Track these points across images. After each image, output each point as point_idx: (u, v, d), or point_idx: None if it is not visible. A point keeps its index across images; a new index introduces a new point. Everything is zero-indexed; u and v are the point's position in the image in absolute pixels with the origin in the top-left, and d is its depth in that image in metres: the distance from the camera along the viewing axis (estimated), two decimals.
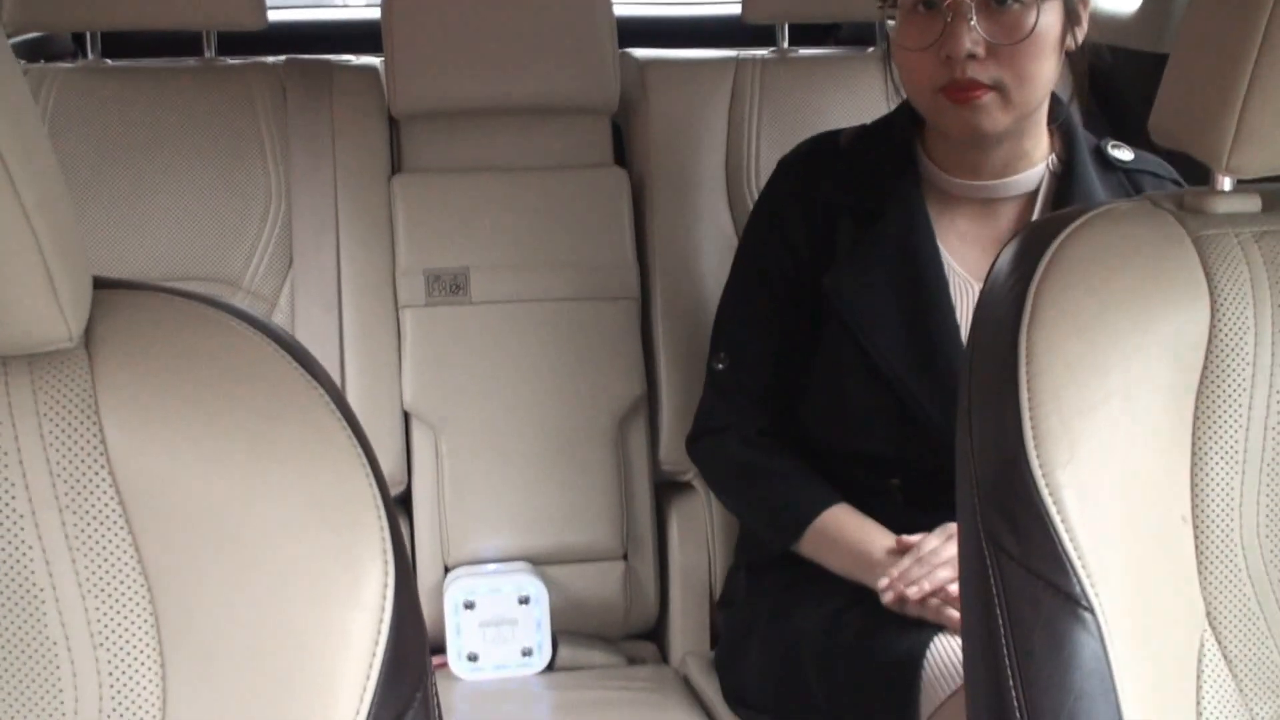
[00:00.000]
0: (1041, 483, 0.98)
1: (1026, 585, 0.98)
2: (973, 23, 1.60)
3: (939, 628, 1.60)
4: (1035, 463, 0.98)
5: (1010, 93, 1.63)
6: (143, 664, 0.85)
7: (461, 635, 2.02)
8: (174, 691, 0.85)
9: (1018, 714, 0.97)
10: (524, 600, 2.02)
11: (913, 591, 1.61)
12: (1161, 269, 1.05)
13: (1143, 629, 0.99)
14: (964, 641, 1.07)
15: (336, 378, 2.06)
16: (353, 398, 2.08)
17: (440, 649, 2.05)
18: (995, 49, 1.60)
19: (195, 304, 0.91)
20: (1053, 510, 0.97)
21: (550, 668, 2.06)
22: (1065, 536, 0.97)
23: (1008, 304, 1.04)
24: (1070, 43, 1.67)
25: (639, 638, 2.21)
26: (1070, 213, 1.10)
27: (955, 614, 1.59)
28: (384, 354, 2.11)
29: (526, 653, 2.04)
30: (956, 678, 1.53)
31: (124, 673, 0.85)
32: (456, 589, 2.03)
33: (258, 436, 0.86)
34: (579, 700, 1.95)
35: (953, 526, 1.63)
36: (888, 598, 1.64)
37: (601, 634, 2.15)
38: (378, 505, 0.87)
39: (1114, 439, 0.99)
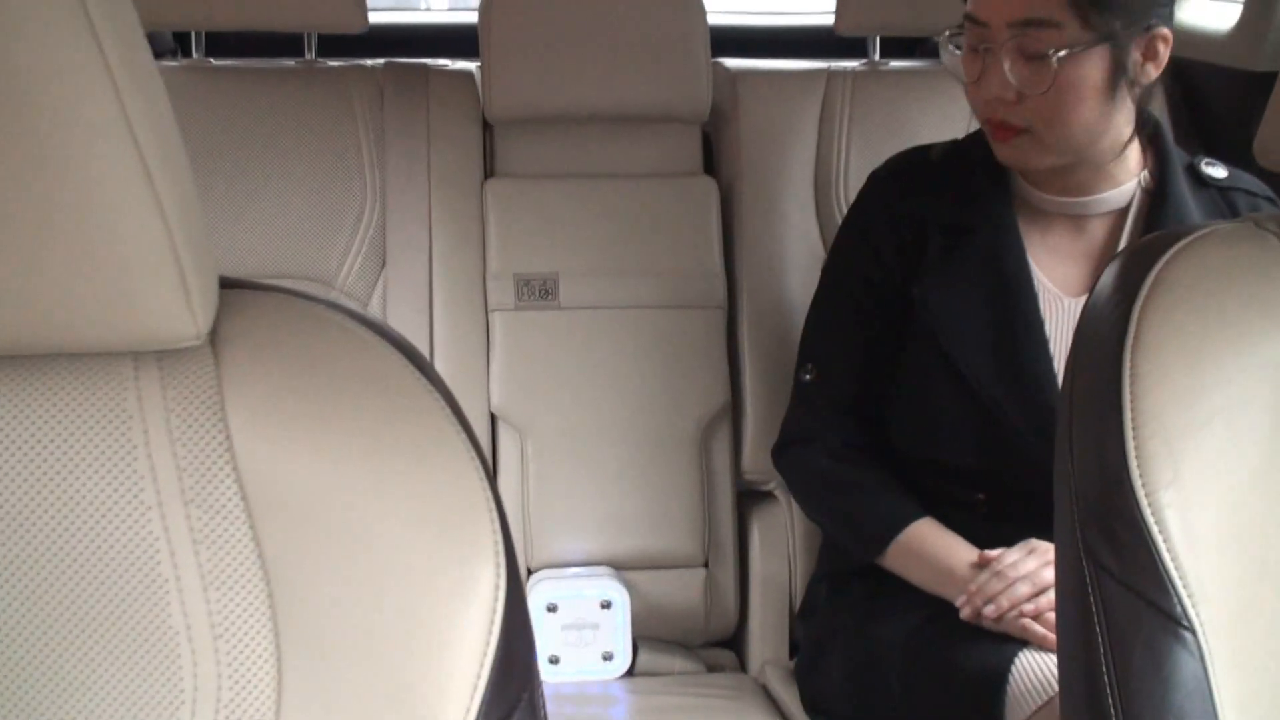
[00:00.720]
0: (1144, 503, 0.98)
1: (1127, 603, 0.98)
2: (1006, 67, 1.61)
3: (1024, 642, 1.59)
4: (1138, 483, 0.98)
5: (1042, 136, 1.65)
6: (260, 655, 0.88)
7: (543, 638, 2.03)
8: (289, 682, 0.87)
9: None
10: (606, 605, 2.04)
11: (989, 610, 1.62)
12: (1265, 291, 1.04)
13: (1244, 651, 0.99)
14: (1060, 658, 1.07)
15: None
16: None
17: None
18: (1025, 94, 1.62)
19: (317, 306, 0.94)
20: (1155, 530, 0.97)
21: (630, 673, 2.08)
22: (1167, 556, 0.97)
23: (1111, 324, 1.04)
24: (1136, 81, 1.65)
25: (718, 645, 2.22)
26: (1172, 234, 1.10)
27: (1038, 629, 1.59)
28: (473, 356, 2.14)
29: (607, 657, 2.05)
30: (1042, 693, 1.53)
31: (241, 663, 0.88)
32: (539, 592, 2.04)
33: (376, 437, 0.88)
34: (658, 705, 1.96)
35: (1034, 542, 1.66)
36: (965, 613, 1.65)
37: (681, 640, 2.17)
38: (490, 508, 0.88)
39: (1217, 460, 0.99)
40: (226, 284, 0.92)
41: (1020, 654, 1.58)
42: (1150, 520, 0.98)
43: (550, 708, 1.96)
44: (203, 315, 0.85)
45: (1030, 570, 1.63)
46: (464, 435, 0.90)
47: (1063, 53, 1.59)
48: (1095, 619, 0.99)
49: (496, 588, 0.87)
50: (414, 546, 0.87)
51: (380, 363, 0.91)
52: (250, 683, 0.88)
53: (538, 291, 2.14)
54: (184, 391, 0.87)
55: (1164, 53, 1.63)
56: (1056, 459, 1.08)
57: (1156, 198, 1.73)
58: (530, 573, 2.12)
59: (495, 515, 0.88)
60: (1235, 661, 0.98)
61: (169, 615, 0.87)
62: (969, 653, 1.62)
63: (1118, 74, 1.62)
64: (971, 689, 1.59)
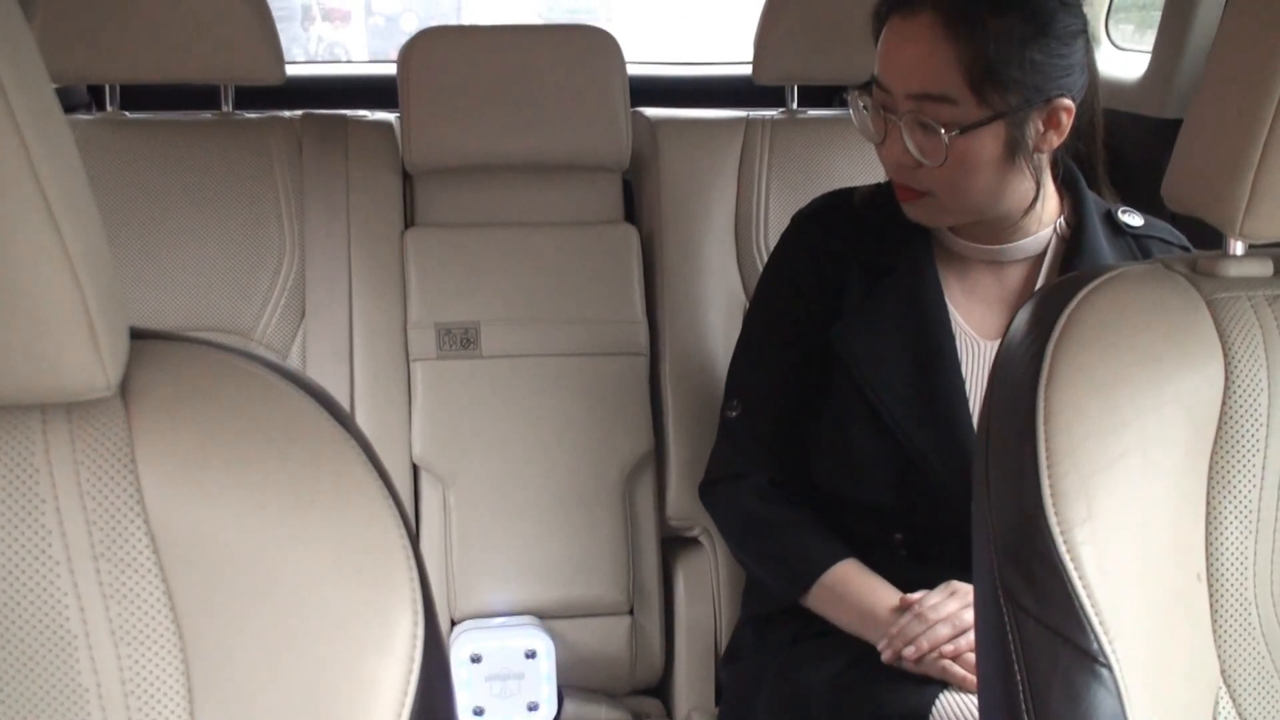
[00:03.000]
0: (1060, 540, 0.99)
1: (1044, 642, 0.99)
2: (905, 136, 1.64)
3: (945, 684, 1.60)
4: (1053, 520, 0.99)
5: (943, 201, 1.68)
6: (172, 711, 0.86)
7: (468, 689, 2.02)
8: None
9: None
10: (531, 655, 2.02)
11: (909, 652, 1.62)
12: (1177, 330, 1.06)
13: (1159, 686, 1.00)
14: (980, 697, 1.08)
15: None
16: None
17: None
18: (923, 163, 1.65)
19: (230, 355, 0.93)
20: (1070, 567, 0.99)
21: None
22: (1083, 593, 0.98)
23: (1025, 363, 1.06)
24: (1038, 149, 1.66)
25: (644, 693, 2.21)
26: (1085, 275, 1.12)
27: (958, 670, 1.59)
28: (394, 406, 2.12)
29: (533, 707, 2.03)
30: None
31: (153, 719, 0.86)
32: (463, 642, 2.02)
33: (291, 488, 0.87)
34: None
35: (955, 584, 1.66)
36: (886, 655, 1.65)
37: (607, 689, 2.15)
38: (408, 557, 0.88)
39: (1131, 496, 1.01)
40: (138, 335, 0.91)
41: (941, 695, 1.58)
42: (1065, 558, 0.99)
43: None
44: (113, 366, 0.84)
45: (950, 612, 1.63)
46: (381, 485, 0.89)
47: (954, 131, 1.61)
48: (1014, 658, 1.00)
49: (414, 638, 0.86)
50: (330, 597, 0.86)
51: (296, 412, 0.90)
52: None
53: (459, 341, 2.13)
54: (94, 444, 0.86)
55: (1066, 121, 1.64)
56: (974, 499, 1.09)
57: (1072, 245, 1.75)
58: (454, 623, 2.11)
59: (413, 564, 0.88)
60: (1152, 696, 0.99)
61: (78, 672, 0.85)
62: (891, 695, 1.62)
63: (1015, 147, 1.64)
64: None
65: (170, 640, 0.86)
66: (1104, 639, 0.98)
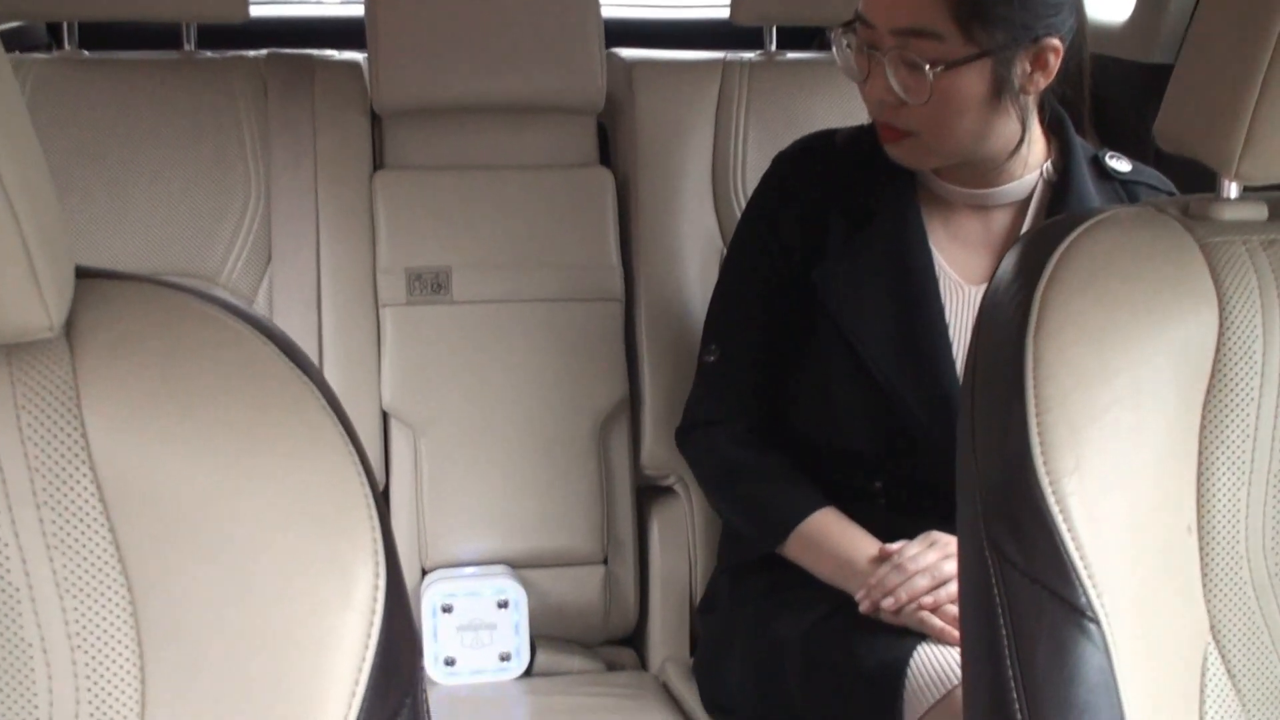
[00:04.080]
0: (1048, 491, 0.96)
1: (1030, 595, 0.96)
2: (889, 74, 1.60)
3: (923, 636, 1.58)
4: (1041, 470, 0.96)
5: (927, 141, 1.65)
6: (122, 666, 0.82)
7: (438, 639, 1.99)
8: (154, 695, 0.82)
9: None
10: (503, 604, 2.00)
11: (887, 603, 1.61)
12: (1169, 275, 1.03)
13: (1146, 641, 0.97)
14: (963, 651, 1.05)
15: None
16: None
17: None
18: (908, 101, 1.61)
19: (182, 295, 0.89)
20: (1059, 519, 0.95)
21: (528, 673, 2.04)
22: (1071, 546, 0.95)
23: (1012, 310, 1.02)
24: (1024, 90, 1.63)
25: (618, 643, 2.19)
26: (1073, 218, 1.08)
27: (936, 622, 1.58)
28: (363, 353, 2.09)
29: (504, 658, 2.01)
30: (940, 687, 1.52)
31: (102, 675, 0.82)
32: (434, 592, 2.00)
33: (245, 432, 0.83)
34: (557, 706, 1.92)
35: (935, 534, 1.64)
36: (864, 606, 1.63)
37: (580, 639, 2.13)
38: (369, 504, 0.84)
39: (1121, 447, 0.97)
40: (85, 274, 0.87)
41: (919, 647, 1.56)
42: (1054, 509, 0.96)
43: (446, 711, 1.94)
44: (55, 306, 0.80)
45: (930, 563, 1.61)
46: (341, 430, 0.86)
47: (939, 67, 1.57)
48: (999, 612, 0.97)
49: (375, 589, 0.83)
50: (286, 548, 0.82)
51: (251, 354, 0.86)
52: (112, 696, 0.83)
53: (430, 286, 2.09)
54: (36, 387, 0.82)
55: (1054, 62, 1.61)
56: (959, 449, 1.05)
57: (1059, 189, 1.72)
58: (425, 573, 2.08)
59: (374, 512, 0.84)
60: (1140, 652, 0.96)
61: (21, 626, 0.82)
62: (867, 647, 1.61)
63: (1001, 86, 1.61)
64: (869, 684, 1.57)
65: (118, 592, 0.82)
66: (1092, 593, 0.95)
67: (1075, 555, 0.95)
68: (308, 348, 2.03)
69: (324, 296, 2.09)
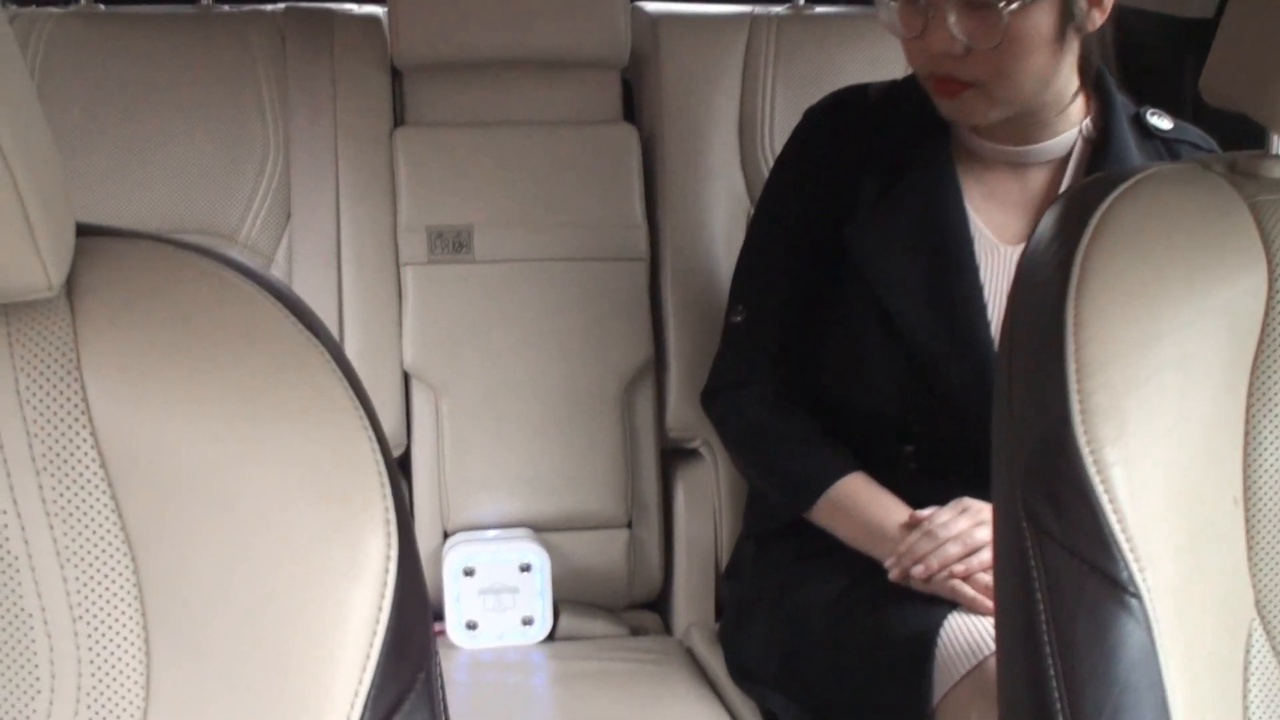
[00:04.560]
0: (1088, 460, 0.92)
1: (1069, 569, 0.92)
2: (951, 22, 1.55)
3: (954, 605, 1.55)
4: (1082, 439, 0.92)
5: (991, 90, 1.59)
6: (125, 638, 0.80)
7: (460, 603, 1.97)
8: (159, 668, 0.80)
9: (1058, 705, 0.91)
10: (525, 568, 1.97)
11: (917, 570, 1.58)
12: (1216, 235, 0.98)
13: (1189, 617, 0.93)
14: (998, 625, 1.01)
15: (335, 336, 2.00)
16: (351, 357, 1.98)
17: (438, 616, 2.00)
18: (973, 48, 1.56)
19: (188, 254, 0.85)
20: (1100, 490, 0.91)
21: (551, 637, 2.02)
22: (1112, 518, 0.91)
23: (1051, 271, 0.98)
24: (1082, 28, 1.59)
25: (642, 608, 2.16)
26: (1116, 175, 1.03)
27: (968, 590, 1.54)
28: (384, 312, 2.05)
29: (527, 622, 1.99)
30: (971, 657, 1.48)
31: (105, 646, 0.80)
32: (456, 555, 1.97)
33: (252, 396, 0.80)
34: (580, 671, 1.90)
35: (967, 500, 1.61)
36: (894, 574, 1.61)
37: (604, 604, 2.11)
38: (380, 472, 0.81)
39: (1165, 415, 0.93)
40: (87, 231, 0.84)
41: (949, 616, 1.53)
42: (1095, 480, 0.92)
43: (468, 675, 1.92)
44: (55, 265, 0.77)
45: (961, 530, 1.58)
46: (351, 394, 0.82)
47: (1014, 4, 1.52)
48: (1036, 586, 0.93)
49: (387, 559, 0.79)
50: (294, 515, 0.79)
51: (258, 314, 0.83)
52: (115, 668, 0.80)
53: (451, 244, 2.06)
54: (34, 348, 0.79)
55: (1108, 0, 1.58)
56: (994, 415, 1.01)
57: (1099, 147, 1.68)
58: (447, 536, 2.06)
59: (385, 480, 0.80)
60: (1182, 629, 0.92)
61: (21, 596, 0.79)
62: (897, 616, 1.58)
63: (1066, 21, 1.57)
64: (898, 653, 1.54)
65: (121, 561, 0.79)
66: (1134, 567, 0.91)
67: (1116, 528, 0.91)
68: (328, 307, 2.02)
69: (344, 255, 2.05)
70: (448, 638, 1.98)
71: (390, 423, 2.03)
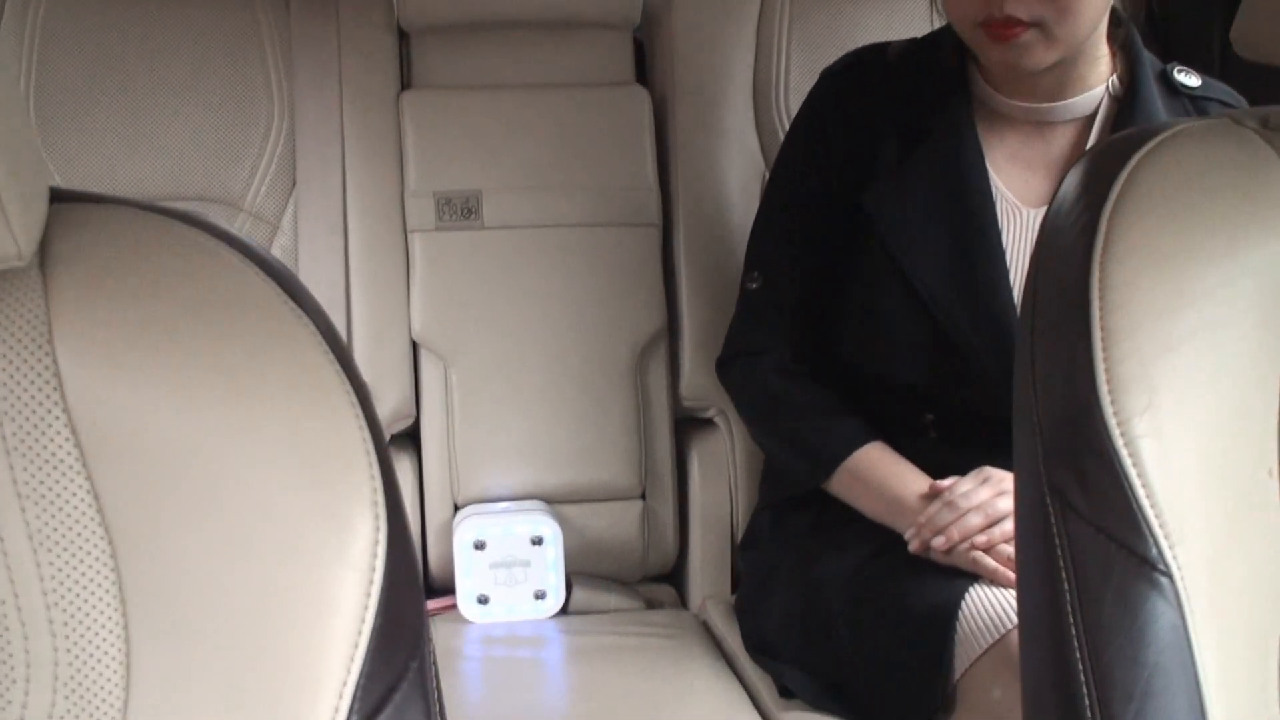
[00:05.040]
0: (1116, 432, 0.87)
1: (1096, 546, 0.88)
2: None
3: (975, 577, 1.51)
4: (1109, 409, 0.87)
5: (1052, 29, 1.53)
6: (104, 625, 0.76)
7: (471, 577, 1.94)
8: (139, 656, 0.76)
9: (1084, 690, 0.87)
10: (537, 541, 1.94)
11: (938, 542, 1.55)
12: (1249, 193, 0.93)
13: (1223, 596, 0.88)
14: (1020, 603, 0.97)
15: (341, 305, 1.97)
16: (358, 326, 1.99)
17: (449, 590, 1.97)
18: None
19: (168, 221, 0.81)
20: (1128, 463, 0.87)
21: (564, 611, 1.99)
22: (1141, 493, 0.87)
23: (1076, 233, 0.93)
24: None
25: (657, 580, 2.13)
26: (1143, 132, 0.98)
27: (990, 562, 1.51)
28: (391, 280, 2.02)
29: (539, 595, 1.95)
30: (994, 631, 1.45)
31: (82, 634, 0.76)
32: (466, 528, 1.94)
33: (235, 373, 0.76)
34: (594, 646, 1.87)
35: (988, 470, 1.57)
36: (914, 545, 1.58)
37: (618, 576, 2.08)
38: (369, 453, 0.77)
39: (1197, 383, 0.88)
40: (62, 197, 0.79)
41: (971, 589, 1.50)
42: (1123, 452, 0.87)
43: (479, 650, 1.88)
44: (24, 232, 0.73)
45: (983, 500, 1.55)
46: (341, 372, 0.78)
47: None
48: (1061, 564, 0.89)
49: (375, 543, 0.75)
50: (278, 497, 0.75)
51: (241, 285, 0.79)
52: (93, 657, 0.76)
53: (459, 210, 2.02)
54: (3, 322, 0.75)
55: None
56: (1016, 384, 0.97)
57: (1125, 104, 1.64)
58: (457, 508, 2.03)
59: (374, 461, 0.76)
60: (1216, 610, 0.88)
61: None
62: (917, 588, 1.54)
63: None
64: (919, 627, 1.51)
65: (98, 546, 0.75)
66: (1164, 544, 0.86)
67: (1146, 503, 0.87)
68: (334, 275, 1.98)
69: (350, 222, 2.02)
70: (458, 612, 1.95)
71: (398, 393, 2.00)
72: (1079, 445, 0.89)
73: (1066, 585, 0.88)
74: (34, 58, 1.97)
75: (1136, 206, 0.92)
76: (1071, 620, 0.88)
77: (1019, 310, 1.60)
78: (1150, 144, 0.96)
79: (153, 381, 0.75)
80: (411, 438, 2.05)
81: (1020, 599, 0.97)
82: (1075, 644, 0.88)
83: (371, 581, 0.75)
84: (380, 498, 0.76)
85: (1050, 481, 0.90)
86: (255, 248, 0.82)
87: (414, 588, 0.79)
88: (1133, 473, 0.87)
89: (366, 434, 0.77)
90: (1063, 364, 0.91)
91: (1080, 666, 0.87)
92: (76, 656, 0.76)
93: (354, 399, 0.77)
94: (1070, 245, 0.93)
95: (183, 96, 2.01)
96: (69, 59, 1.98)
